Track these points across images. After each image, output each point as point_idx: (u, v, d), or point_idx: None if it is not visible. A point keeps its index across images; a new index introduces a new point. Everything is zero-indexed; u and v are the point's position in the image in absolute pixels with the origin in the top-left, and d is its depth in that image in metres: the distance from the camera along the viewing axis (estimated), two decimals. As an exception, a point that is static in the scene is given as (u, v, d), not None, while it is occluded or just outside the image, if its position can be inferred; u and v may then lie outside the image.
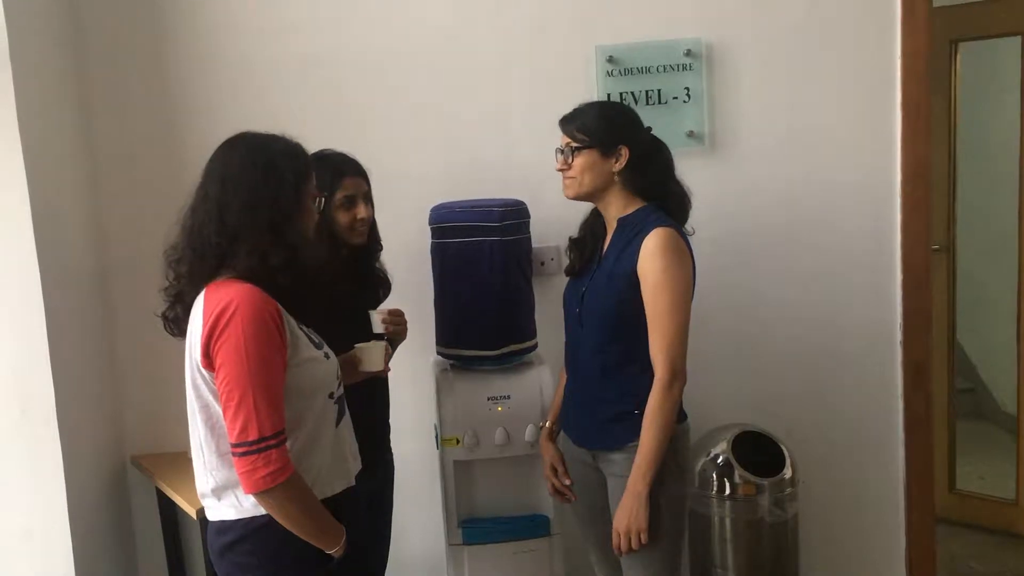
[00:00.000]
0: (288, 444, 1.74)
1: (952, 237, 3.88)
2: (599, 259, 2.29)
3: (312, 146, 2.28)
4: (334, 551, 1.84)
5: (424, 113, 2.94)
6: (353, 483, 1.96)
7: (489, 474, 2.65)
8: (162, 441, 2.88)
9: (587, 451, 2.33)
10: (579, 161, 2.22)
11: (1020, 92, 3.65)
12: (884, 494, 3.16)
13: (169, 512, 2.93)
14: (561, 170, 2.26)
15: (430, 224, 2.66)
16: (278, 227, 1.77)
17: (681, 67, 2.95)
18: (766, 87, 2.98)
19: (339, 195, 2.28)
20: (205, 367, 1.74)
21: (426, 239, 2.67)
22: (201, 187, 1.81)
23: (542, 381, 2.62)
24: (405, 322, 2.46)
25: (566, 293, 2.39)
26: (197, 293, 1.79)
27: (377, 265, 2.50)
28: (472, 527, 2.63)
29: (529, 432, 2.57)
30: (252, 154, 1.81)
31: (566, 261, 2.43)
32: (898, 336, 3.09)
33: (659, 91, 2.96)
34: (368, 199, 2.35)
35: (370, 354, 2.04)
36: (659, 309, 2.13)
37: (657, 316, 2.13)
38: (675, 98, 2.96)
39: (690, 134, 2.96)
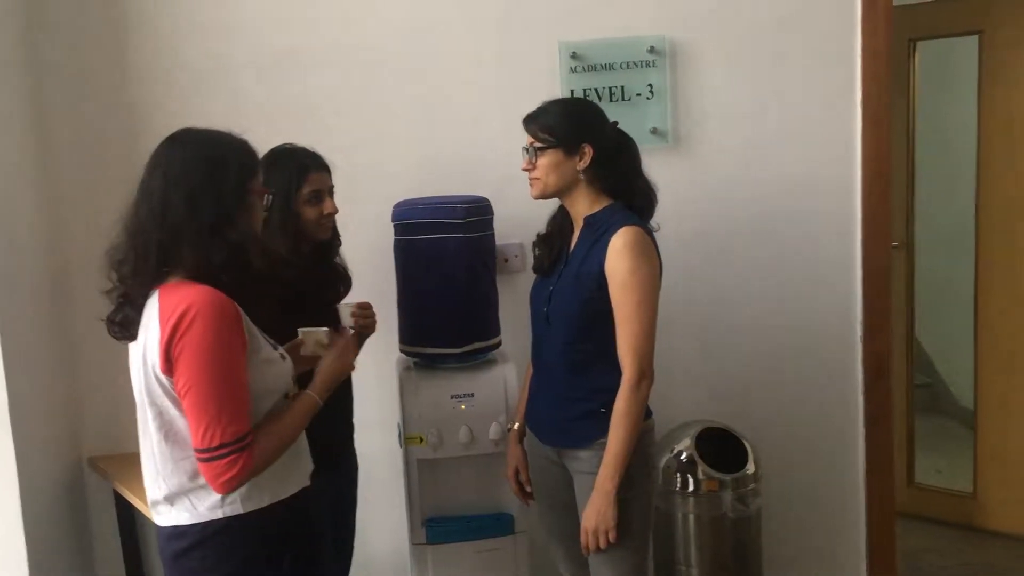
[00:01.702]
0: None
1: (911, 234, 3.94)
2: (566, 258, 2.28)
3: (275, 143, 2.26)
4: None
5: (387, 110, 2.92)
6: (308, 484, 1.93)
7: (453, 472, 2.64)
8: (120, 442, 2.83)
9: (553, 449, 2.32)
10: (543, 161, 2.21)
11: (977, 90, 3.70)
12: (845, 488, 3.19)
13: (127, 514, 2.89)
14: (526, 169, 2.25)
15: (393, 221, 2.64)
16: (221, 225, 1.73)
17: (644, 64, 2.95)
18: (728, 84, 2.99)
19: (306, 190, 2.26)
20: (164, 372, 1.70)
21: (389, 236, 2.65)
22: (143, 184, 1.76)
23: (506, 379, 2.61)
24: (374, 315, 2.44)
25: (533, 291, 2.38)
26: (145, 295, 1.75)
27: (337, 260, 2.48)
28: (436, 526, 2.61)
29: (493, 430, 2.56)
30: (195, 150, 1.76)
31: (532, 258, 2.42)
32: (858, 332, 3.12)
33: (622, 88, 2.96)
34: (332, 193, 2.34)
35: (311, 339, 2.01)
36: (626, 308, 2.13)
37: (624, 315, 2.13)
38: (638, 95, 2.96)
39: (653, 131, 2.97)
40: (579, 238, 2.25)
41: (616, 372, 2.15)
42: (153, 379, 1.72)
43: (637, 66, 2.95)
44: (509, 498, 2.56)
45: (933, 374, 5.16)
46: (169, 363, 1.68)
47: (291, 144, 2.32)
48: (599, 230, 2.19)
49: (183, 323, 1.66)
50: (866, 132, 3.01)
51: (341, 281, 2.48)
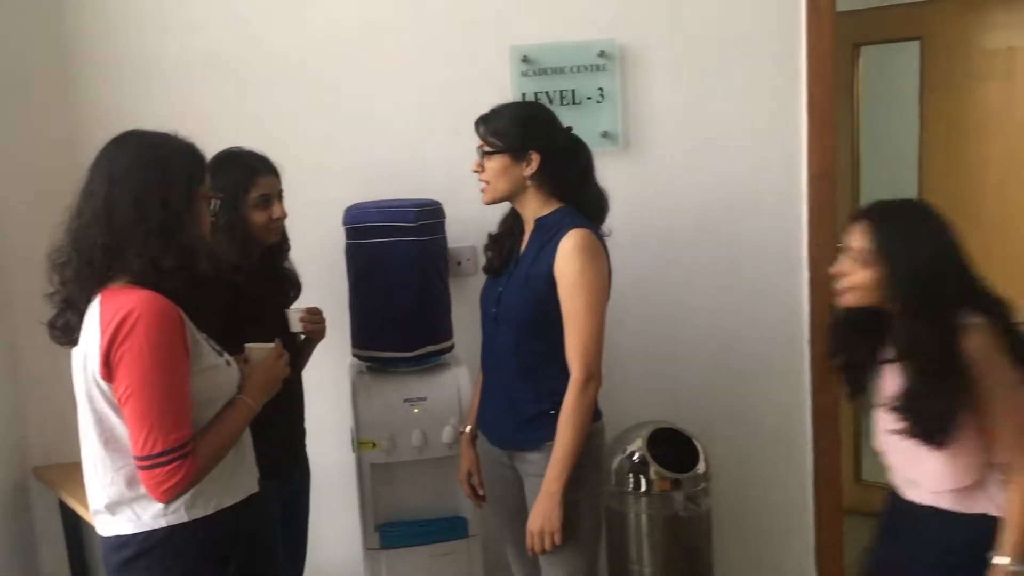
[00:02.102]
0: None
1: (856, 235, 3.99)
2: (516, 259, 2.29)
3: (220, 146, 2.23)
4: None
5: (337, 112, 2.90)
6: (256, 490, 1.91)
7: (406, 476, 2.63)
8: (66, 451, 2.75)
9: (504, 451, 2.33)
10: (490, 165, 2.21)
11: (919, 94, 3.78)
12: (793, 486, 3.24)
13: (73, 524, 2.84)
14: (476, 171, 2.25)
15: (344, 225, 2.62)
16: (168, 230, 1.70)
17: (595, 68, 2.97)
18: (678, 88, 3.02)
19: (254, 194, 2.24)
20: (104, 378, 1.67)
21: (339, 240, 2.64)
22: (87, 187, 1.73)
23: (459, 382, 2.61)
24: (324, 321, 2.43)
25: (483, 292, 2.38)
26: (88, 299, 1.72)
27: (286, 265, 2.46)
28: (390, 531, 2.61)
29: (447, 433, 2.56)
30: (141, 153, 1.74)
31: (483, 260, 2.42)
32: (806, 333, 3.17)
33: (573, 91, 2.98)
34: (281, 198, 2.31)
35: (256, 355, 1.98)
36: (575, 310, 2.14)
37: (573, 317, 2.14)
38: (589, 98, 2.98)
39: (604, 134, 2.99)
40: (530, 240, 2.26)
41: (565, 374, 2.16)
42: (93, 385, 1.70)
43: (587, 70, 2.97)
44: (463, 501, 2.56)
45: (879, 372, 5.25)
46: (109, 369, 1.66)
47: (238, 148, 2.29)
48: (549, 232, 2.20)
49: (123, 328, 1.63)
50: (812, 135, 3.07)
51: (291, 286, 2.46)
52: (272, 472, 2.13)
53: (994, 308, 1.93)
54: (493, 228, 2.41)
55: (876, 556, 2.14)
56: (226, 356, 1.85)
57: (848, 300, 1.99)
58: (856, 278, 1.95)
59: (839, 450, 3.26)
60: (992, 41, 3.57)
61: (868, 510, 3.93)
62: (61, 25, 2.77)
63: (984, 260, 3.63)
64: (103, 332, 1.65)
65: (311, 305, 2.43)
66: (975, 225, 3.64)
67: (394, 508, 2.64)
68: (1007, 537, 1.86)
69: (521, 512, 2.29)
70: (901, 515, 2.05)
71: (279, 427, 2.34)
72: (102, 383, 1.68)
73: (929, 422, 1.88)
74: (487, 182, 2.23)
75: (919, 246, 1.90)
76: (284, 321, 2.34)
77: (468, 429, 2.48)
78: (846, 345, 2.08)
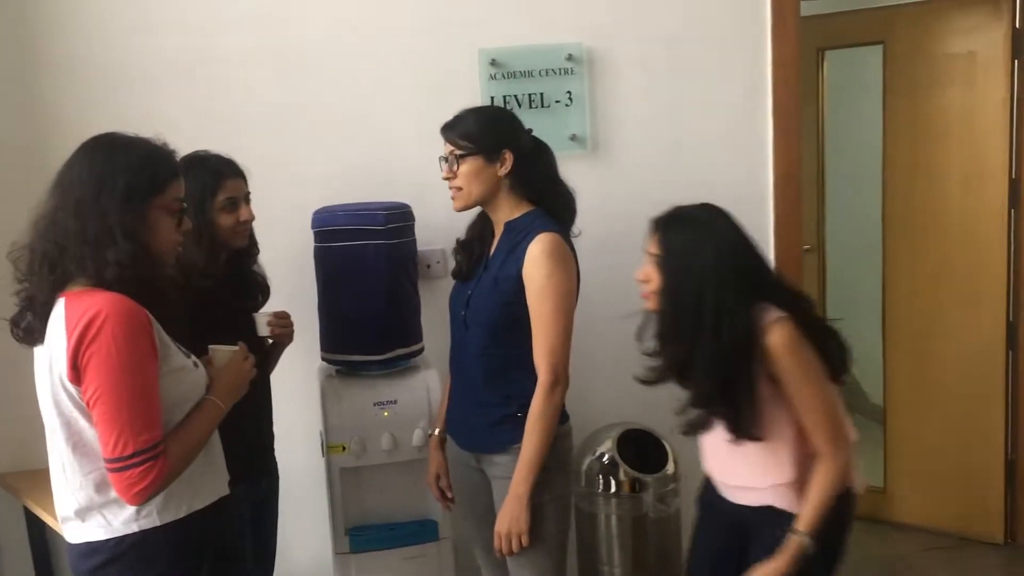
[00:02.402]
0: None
1: (822, 238, 4.06)
2: (486, 263, 2.30)
3: (186, 149, 2.21)
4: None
5: (306, 115, 2.90)
6: (227, 492, 1.90)
7: (376, 480, 2.63)
8: (30, 458, 2.74)
9: (471, 454, 2.33)
10: (464, 168, 2.21)
11: (882, 97, 3.84)
12: (762, 486, 3.26)
13: (38, 532, 2.80)
14: (447, 179, 2.25)
15: (313, 228, 2.62)
16: (102, 242, 1.67)
17: (563, 71, 2.99)
18: (645, 92, 3.05)
19: (221, 197, 2.22)
20: (71, 380, 1.66)
21: (308, 243, 2.63)
22: (50, 188, 1.73)
23: (429, 385, 2.61)
24: (291, 325, 2.42)
25: (452, 296, 2.39)
26: (47, 301, 1.70)
27: (255, 268, 2.45)
28: (360, 535, 2.60)
29: (417, 436, 2.56)
30: (94, 161, 1.71)
31: (453, 263, 2.42)
32: (773, 333, 3.19)
33: (542, 95, 2.99)
34: (248, 200, 2.30)
35: (221, 357, 1.97)
36: (543, 314, 2.15)
37: (541, 321, 2.15)
38: (557, 102, 3.00)
39: (572, 137, 3.00)
40: (498, 244, 2.27)
41: (532, 378, 2.17)
42: (60, 389, 1.68)
43: (556, 73, 2.99)
44: (433, 504, 2.57)
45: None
46: (76, 372, 1.64)
47: (205, 151, 2.28)
48: (518, 236, 2.21)
49: (91, 330, 1.62)
50: (777, 139, 3.11)
51: (260, 290, 2.45)
52: (240, 476, 2.13)
53: (794, 303, 2.01)
54: (463, 231, 2.42)
55: (703, 556, 2.23)
56: (193, 358, 1.84)
57: (651, 305, 2.06)
58: (653, 283, 2.02)
59: (806, 450, 3.30)
60: (953, 46, 3.63)
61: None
62: (24, 26, 2.74)
63: (947, 262, 3.73)
64: (69, 334, 1.64)
65: (280, 309, 2.42)
66: (938, 228, 3.72)
67: (364, 512, 2.64)
68: (805, 513, 1.96)
69: (489, 514, 2.30)
70: (728, 516, 2.13)
71: (247, 431, 2.33)
72: (70, 386, 1.67)
73: (737, 418, 1.96)
74: (459, 187, 2.23)
75: (698, 253, 1.96)
76: (252, 325, 2.33)
77: (436, 432, 2.48)
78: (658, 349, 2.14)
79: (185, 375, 1.78)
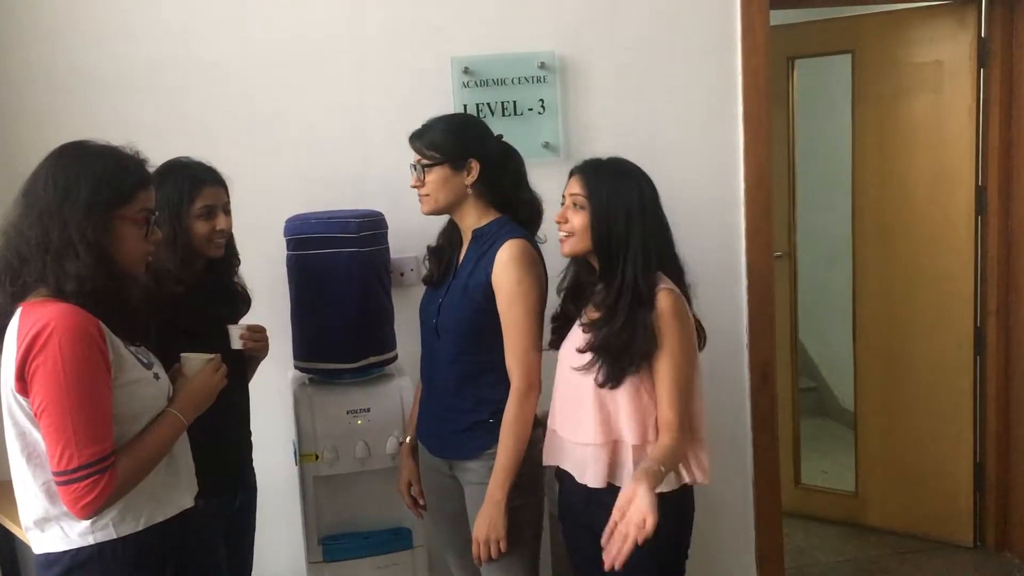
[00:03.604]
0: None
1: (793, 244, 4.09)
2: (455, 270, 2.30)
3: (158, 156, 2.20)
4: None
5: (278, 122, 2.89)
6: (191, 505, 1.88)
7: (350, 488, 2.62)
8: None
9: (443, 460, 2.33)
10: (431, 178, 2.22)
11: (851, 105, 3.89)
12: (734, 489, 3.28)
13: (7, 543, 2.76)
14: (415, 187, 2.26)
15: (285, 236, 2.61)
16: (63, 255, 1.65)
17: (536, 79, 3.00)
18: (617, 99, 3.07)
19: (198, 205, 2.21)
20: (20, 392, 1.64)
21: (281, 251, 2.62)
22: (16, 199, 1.71)
23: (402, 392, 2.61)
24: (266, 339, 2.40)
25: (422, 303, 2.39)
26: (8, 310, 1.68)
27: (235, 279, 2.43)
28: (333, 544, 2.59)
29: (390, 444, 2.56)
30: (57, 172, 1.69)
31: (425, 270, 2.43)
32: (744, 339, 3.23)
33: (515, 102, 3.00)
34: (227, 210, 2.29)
35: (192, 366, 1.95)
36: (513, 320, 2.16)
37: (511, 327, 2.17)
38: (530, 109, 3.01)
39: (546, 145, 3.02)
40: (468, 251, 2.28)
41: (504, 383, 2.19)
42: (12, 400, 1.67)
43: (528, 81, 3.00)
44: (407, 512, 2.56)
45: (818, 378, 5.37)
46: (23, 383, 1.63)
47: (186, 157, 2.27)
48: (486, 243, 2.22)
49: (37, 342, 1.61)
50: (748, 146, 3.13)
51: (240, 300, 2.43)
52: (217, 488, 2.11)
53: (682, 274, 2.13)
54: (435, 239, 2.42)
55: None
56: (155, 369, 1.81)
57: (567, 248, 2.12)
58: (573, 223, 2.08)
59: (778, 453, 3.33)
60: (921, 55, 3.68)
61: (808, 513, 4.05)
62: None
63: (916, 268, 3.78)
64: (19, 345, 1.63)
65: (251, 317, 2.41)
66: (907, 234, 3.77)
67: (338, 520, 2.63)
68: (651, 457, 1.96)
69: (462, 520, 2.31)
70: (583, 499, 2.13)
71: (227, 443, 2.32)
72: (19, 397, 1.65)
73: (614, 360, 2.00)
74: (427, 195, 2.24)
75: (623, 193, 2.06)
76: (226, 336, 2.31)
77: (408, 440, 2.48)
78: (564, 299, 2.22)
79: (142, 387, 1.75)
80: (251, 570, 2.51)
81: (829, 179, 4.35)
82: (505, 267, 2.16)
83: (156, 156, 2.17)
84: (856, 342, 4.00)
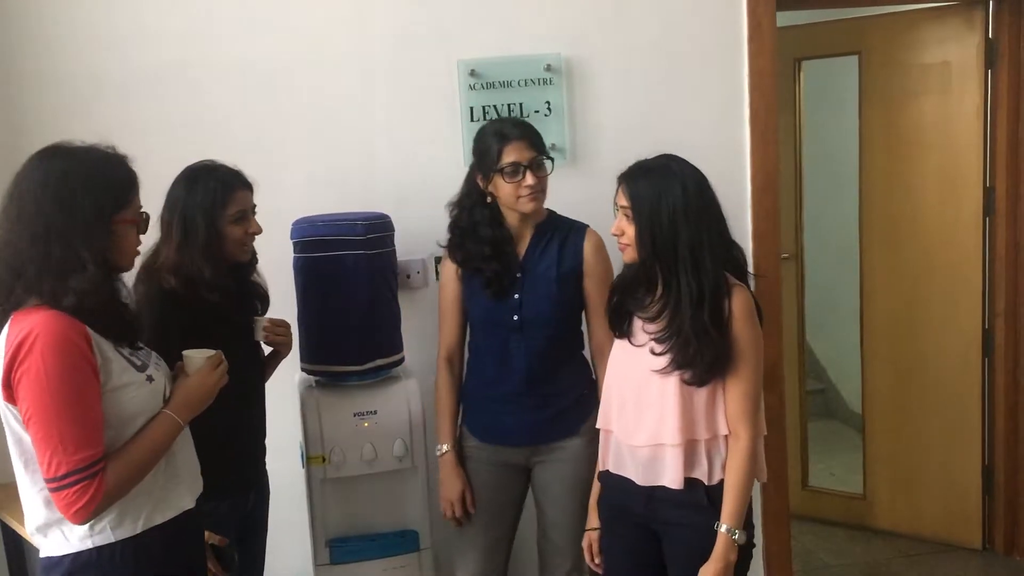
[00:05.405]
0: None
1: (800, 245, 4.08)
2: (520, 265, 2.40)
3: (165, 158, 2.21)
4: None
5: (286, 126, 2.89)
6: (192, 506, 1.87)
7: (357, 491, 2.62)
8: (5, 471, 2.71)
9: (529, 448, 2.45)
10: (546, 175, 2.42)
11: (858, 106, 3.88)
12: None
13: (14, 545, 2.77)
14: (534, 186, 2.35)
15: (292, 239, 2.61)
16: (66, 267, 1.64)
17: (542, 81, 3.00)
18: (623, 102, 3.06)
19: (232, 210, 2.21)
20: (8, 400, 1.64)
21: (289, 254, 2.62)
22: (1, 208, 1.69)
23: (409, 395, 2.60)
24: (289, 334, 2.41)
25: (487, 308, 2.43)
26: (1, 321, 1.68)
27: (254, 278, 2.44)
28: (340, 546, 2.59)
29: (397, 447, 2.55)
30: (48, 182, 1.66)
31: (434, 273, 2.45)
32: (752, 341, 3.21)
33: (521, 105, 3.00)
34: (254, 213, 2.30)
35: (193, 364, 1.94)
36: (604, 300, 2.26)
37: (602, 305, 2.28)
38: (536, 112, 3.01)
39: (552, 147, 3.00)
40: (533, 243, 2.41)
41: (579, 360, 2.47)
42: (4, 408, 1.67)
43: (535, 83, 3.00)
44: (415, 514, 2.56)
45: (825, 380, 5.35)
46: (10, 391, 1.63)
47: (211, 161, 2.26)
48: (560, 232, 2.44)
49: (21, 350, 1.60)
50: (755, 148, 3.12)
51: (259, 299, 2.45)
52: (230, 490, 2.11)
53: (741, 265, 2.11)
54: (443, 240, 2.43)
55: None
56: (148, 371, 1.78)
57: (627, 256, 2.12)
58: (628, 234, 2.07)
59: (786, 456, 3.32)
60: (928, 56, 3.67)
61: (815, 515, 4.04)
62: (5, 34, 2.73)
63: (924, 269, 3.77)
64: (5, 354, 1.62)
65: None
66: (914, 235, 3.76)
67: (345, 523, 2.62)
68: (727, 505, 1.97)
69: (509, 507, 2.49)
70: (643, 499, 2.10)
71: (246, 441, 2.33)
72: (10, 406, 1.65)
73: (693, 362, 1.97)
74: (542, 190, 2.39)
75: (666, 197, 2.01)
76: (246, 336, 2.31)
77: (447, 448, 2.51)
78: (619, 293, 2.18)
79: (132, 390, 1.73)
80: (263, 569, 2.52)
81: (836, 181, 4.33)
82: (597, 251, 2.43)
83: (164, 160, 2.19)
84: (864, 344, 3.99)
